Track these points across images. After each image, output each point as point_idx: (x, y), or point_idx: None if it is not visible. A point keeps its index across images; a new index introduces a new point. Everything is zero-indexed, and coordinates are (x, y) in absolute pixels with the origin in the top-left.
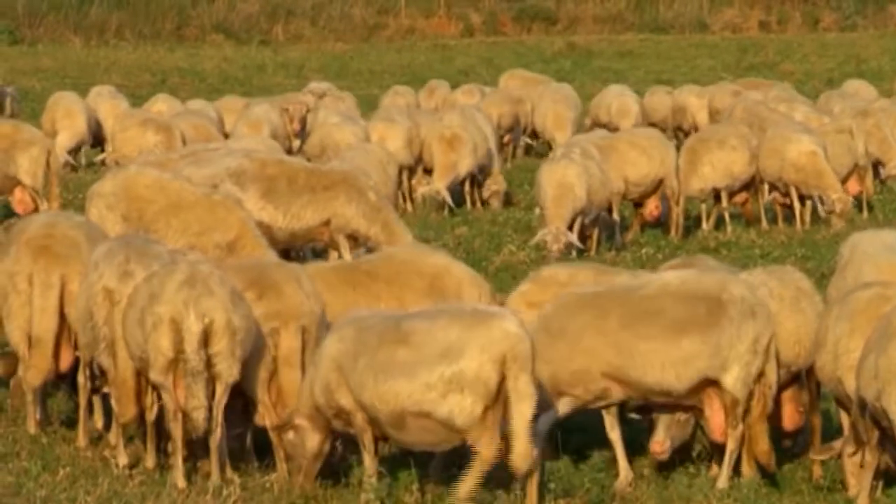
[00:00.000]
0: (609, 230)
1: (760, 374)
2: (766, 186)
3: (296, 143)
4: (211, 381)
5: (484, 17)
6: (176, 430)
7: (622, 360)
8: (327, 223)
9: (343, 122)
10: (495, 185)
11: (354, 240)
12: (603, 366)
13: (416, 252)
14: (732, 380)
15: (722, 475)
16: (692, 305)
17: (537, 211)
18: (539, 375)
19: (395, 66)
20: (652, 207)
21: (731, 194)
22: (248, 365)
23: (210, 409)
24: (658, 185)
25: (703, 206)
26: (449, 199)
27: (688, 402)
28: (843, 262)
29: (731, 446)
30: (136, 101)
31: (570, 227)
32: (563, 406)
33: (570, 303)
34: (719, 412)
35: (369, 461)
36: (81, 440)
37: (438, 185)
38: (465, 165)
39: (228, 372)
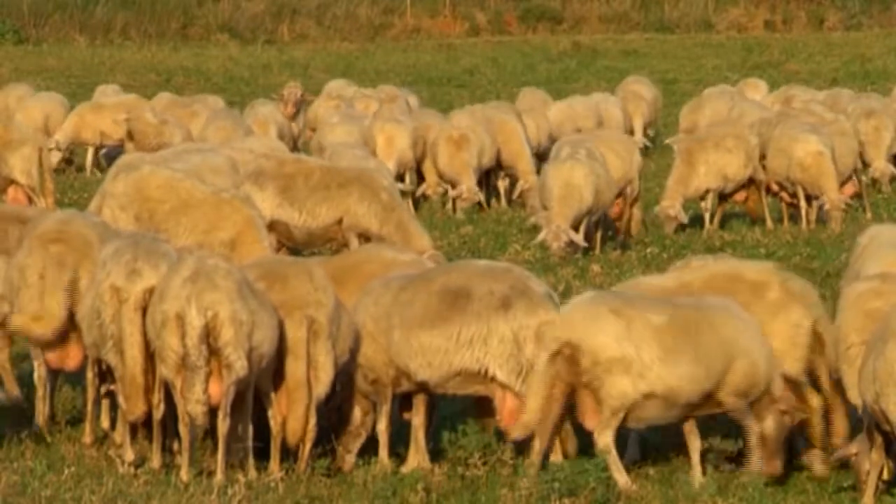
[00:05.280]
0: (612, 230)
1: None
2: (767, 185)
3: (295, 129)
4: (219, 374)
5: (489, 16)
6: (185, 431)
7: None
8: (340, 221)
9: (340, 122)
10: (526, 183)
11: (367, 240)
12: None
13: (372, 252)
14: None
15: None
16: None
17: (532, 218)
18: None
19: (400, 66)
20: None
21: (728, 194)
22: (267, 358)
23: (209, 403)
24: (625, 187)
25: (704, 205)
26: (481, 197)
27: None
28: (859, 250)
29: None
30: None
31: (576, 228)
32: None
33: None
34: None
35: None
36: (87, 437)
37: (469, 185)
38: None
39: (239, 364)
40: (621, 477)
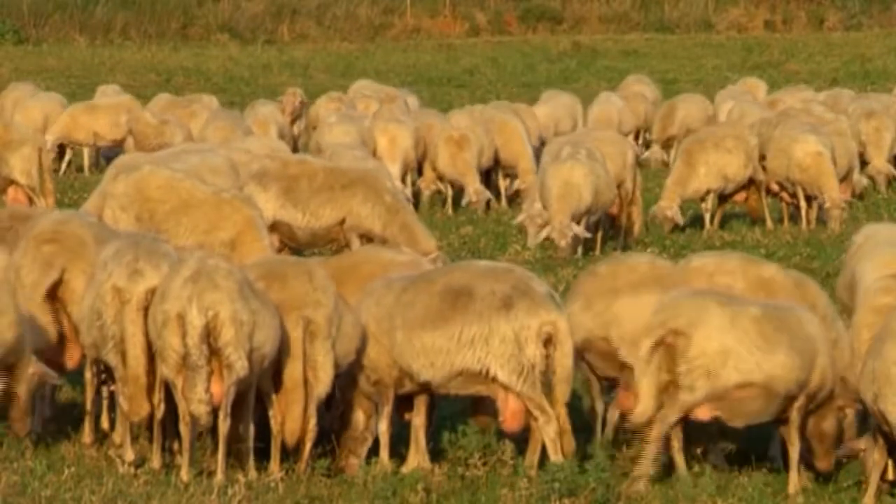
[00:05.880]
0: (613, 230)
1: None
2: (767, 185)
3: (296, 131)
4: (220, 374)
5: (489, 16)
6: (185, 431)
7: None
8: (343, 222)
9: (338, 122)
10: (524, 183)
11: (370, 241)
12: None
13: (370, 253)
14: None
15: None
16: None
17: (520, 216)
18: None
19: (400, 66)
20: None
21: (728, 195)
22: (268, 359)
23: (211, 403)
24: (620, 185)
25: (704, 206)
26: (489, 194)
27: None
28: (854, 249)
29: None
30: (141, 101)
31: None
32: None
33: None
34: None
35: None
36: (87, 437)
37: (478, 186)
38: None
39: (239, 364)
40: (645, 468)
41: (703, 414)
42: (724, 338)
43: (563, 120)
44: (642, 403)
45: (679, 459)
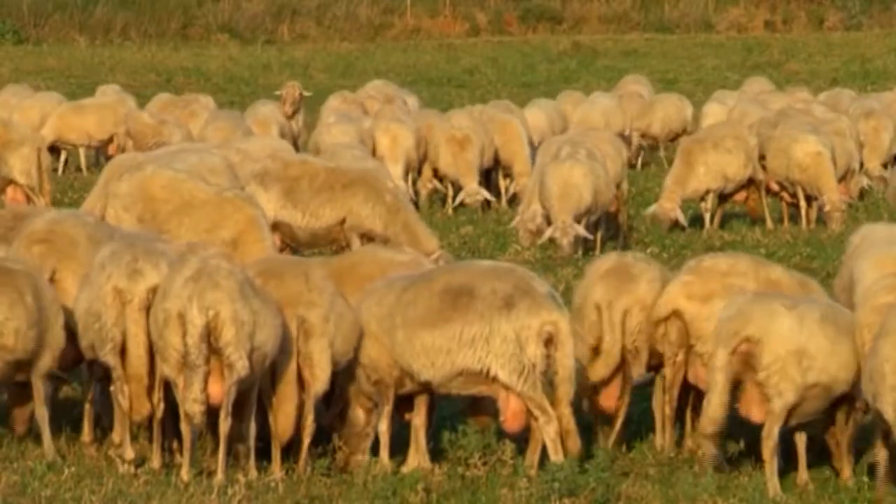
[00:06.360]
0: (613, 230)
1: None
2: (767, 185)
3: (295, 128)
4: (221, 373)
5: (489, 16)
6: (186, 431)
7: None
8: (343, 222)
9: (337, 122)
10: (518, 186)
11: (370, 241)
12: None
13: (369, 253)
14: None
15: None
16: None
17: (516, 220)
18: None
19: (400, 66)
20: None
21: (728, 195)
22: (270, 359)
23: (206, 403)
24: (618, 185)
25: (704, 206)
26: (487, 194)
27: None
28: (851, 249)
29: None
30: (141, 101)
31: None
32: None
33: None
34: None
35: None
36: (87, 437)
37: (473, 186)
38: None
39: (240, 364)
40: (773, 483)
41: (757, 416)
42: (797, 340)
43: (556, 122)
44: (713, 411)
45: (707, 447)
